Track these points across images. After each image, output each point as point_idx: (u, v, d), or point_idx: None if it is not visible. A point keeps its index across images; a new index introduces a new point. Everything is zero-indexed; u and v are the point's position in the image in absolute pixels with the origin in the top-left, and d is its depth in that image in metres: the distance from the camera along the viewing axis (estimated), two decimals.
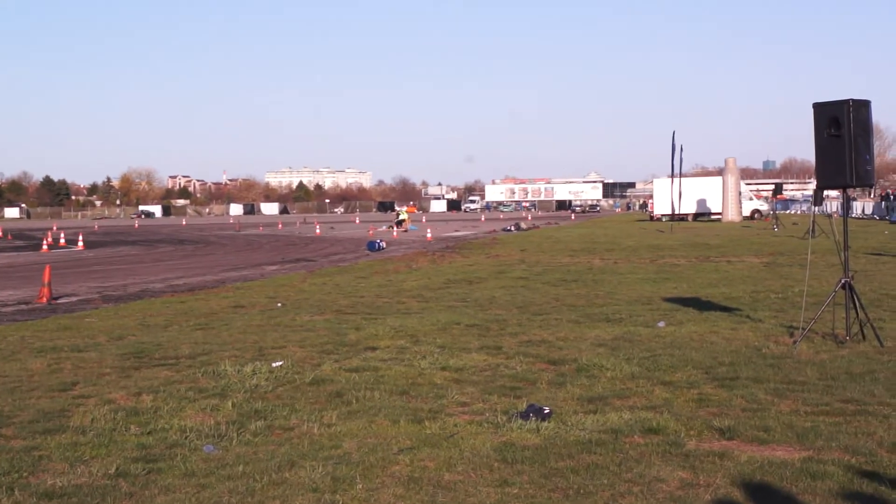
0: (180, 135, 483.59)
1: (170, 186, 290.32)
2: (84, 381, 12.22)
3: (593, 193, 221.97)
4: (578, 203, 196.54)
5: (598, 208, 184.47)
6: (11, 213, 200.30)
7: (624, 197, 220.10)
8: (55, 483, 7.70)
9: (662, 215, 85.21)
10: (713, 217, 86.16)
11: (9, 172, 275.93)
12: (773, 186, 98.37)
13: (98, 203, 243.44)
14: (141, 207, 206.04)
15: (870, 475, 7.50)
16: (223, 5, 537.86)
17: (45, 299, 23.46)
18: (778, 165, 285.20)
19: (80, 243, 57.96)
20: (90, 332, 17.06)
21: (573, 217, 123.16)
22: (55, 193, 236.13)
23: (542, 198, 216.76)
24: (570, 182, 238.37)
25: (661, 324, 16.36)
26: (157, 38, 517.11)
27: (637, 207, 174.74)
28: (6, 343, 15.76)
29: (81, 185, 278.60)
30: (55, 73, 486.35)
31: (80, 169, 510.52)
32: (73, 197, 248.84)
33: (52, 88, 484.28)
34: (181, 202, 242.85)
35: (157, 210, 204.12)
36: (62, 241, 62.15)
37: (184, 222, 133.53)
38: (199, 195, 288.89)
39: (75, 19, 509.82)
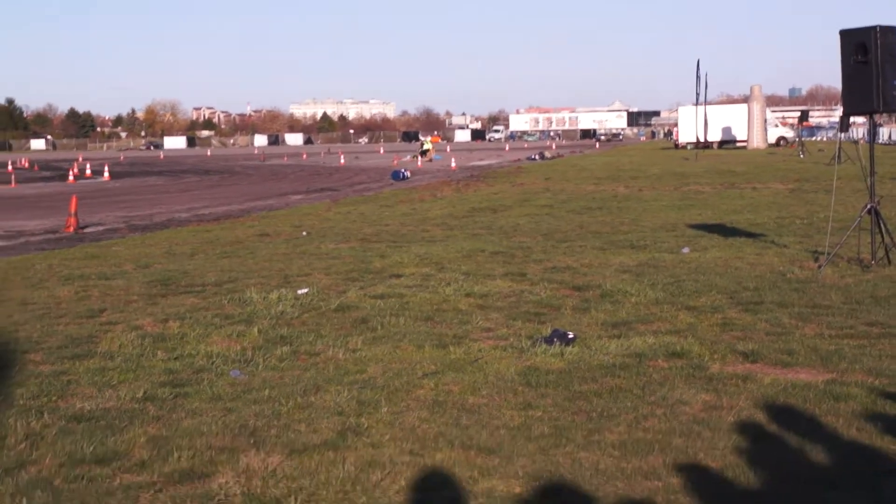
0: (204, 66, 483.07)
1: (194, 118, 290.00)
2: (111, 308, 12.32)
3: (618, 122, 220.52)
4: (603, 132, 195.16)
5: (621, 136, 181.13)
6: (37, 144, 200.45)
7: (649, 125, 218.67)
8: (84, 406, 7.79)
9: (687, 143, 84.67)
10: (738, 144, 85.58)
11: (34, 105, 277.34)
12: (798, 113, 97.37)
13: (123, 135, 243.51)
14: (148, 139, 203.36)
15: (893, 397, 7.52)
16: None
17: (72, 228, 23.60)
18: (804, 92, 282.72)
19: (106, 174, 58.10)
20: (117, 260, 17.16)
21: (597, 146, 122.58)
22: (80, 125, 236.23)
23: (567, 127, 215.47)
24: (595, 111, 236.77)
25: (686, 250, 16.36)
26: None
27: (662, 136, 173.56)
28: (34, 271, 15.87)
29: (106, 117, 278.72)
30: (80, 5, 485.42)
31: (105, 101, 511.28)
32: (98, 129, 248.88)
33: (77, 20, 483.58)
34: (206, 133, 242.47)
35: (174, 142, 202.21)
36: (88, 171, 62.33)
37: (209, 153, 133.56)
38: (223, 126, 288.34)
39: None
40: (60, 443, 6.88)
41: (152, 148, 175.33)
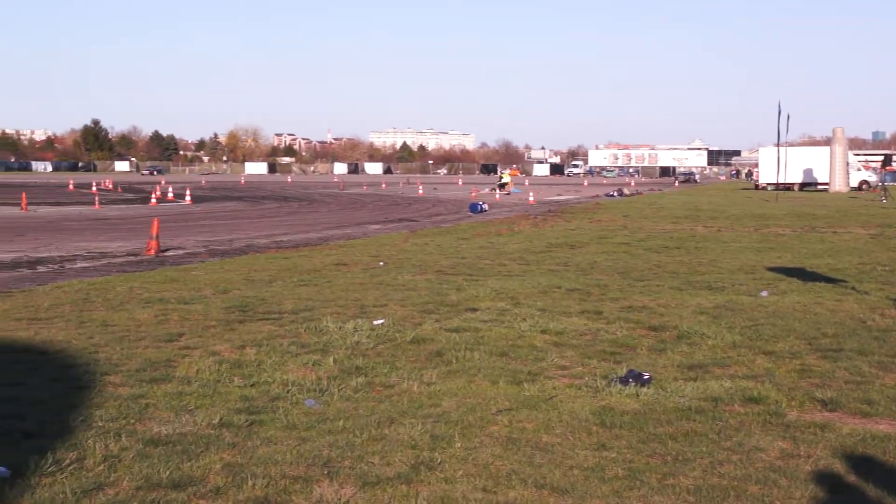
0: (287, 93, 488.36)
1: (275, 144, 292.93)
2: (190, 332, 12.43)
3: (697, 160, 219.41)
4: (683, 170, 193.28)
5: (696, 176, 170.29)
6: (122, 166, 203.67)
7: (729, 165, 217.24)
8: (161, 431, 7.86)
9: (768, 184, 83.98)
10: (819, 187, 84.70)
11: (119, 126, 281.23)
12: (882, 157, 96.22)
13: (205, 159, 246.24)
14: (150, 164, 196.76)
15: None
16: None
17: (153, 252, 23.91)
18: (888, 136, 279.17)
19: (188, 198, 58.84)
20: (196, 284, 17.33)
21: (676, 184, 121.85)
22: (164, 148, 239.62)
23: (646, 164, 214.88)
24: (675, 149, 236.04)
25: (764, 293, 16.20)
26: None
27: (743, 176, 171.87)
28: (115, 293, 16.07)
29: (189, 141, 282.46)
30: (164, 30, 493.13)
31: (189, 125, 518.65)
32: (181, 152, 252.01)
33: (162, 44, 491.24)
34: (286, 160, 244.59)
35: (255, 167, 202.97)
36: (170, 195, 63.14)
37: (289, 180, 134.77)
38: (304, 153, 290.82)
39: None
40: (137, 466, 6.95)
41: (155, 173, 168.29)
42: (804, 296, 15.96)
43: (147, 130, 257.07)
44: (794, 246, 26.23)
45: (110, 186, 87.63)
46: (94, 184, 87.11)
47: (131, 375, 9.82)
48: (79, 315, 13.70)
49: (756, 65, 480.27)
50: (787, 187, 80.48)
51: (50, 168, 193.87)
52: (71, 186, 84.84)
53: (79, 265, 21.59)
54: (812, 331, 12.57)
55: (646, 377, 9.67)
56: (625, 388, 9.31)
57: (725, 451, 7.45)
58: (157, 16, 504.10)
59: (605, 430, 7.98)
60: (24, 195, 50.26)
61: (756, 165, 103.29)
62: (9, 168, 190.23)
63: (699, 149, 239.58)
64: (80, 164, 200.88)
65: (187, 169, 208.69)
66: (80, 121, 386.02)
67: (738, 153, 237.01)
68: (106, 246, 26.73)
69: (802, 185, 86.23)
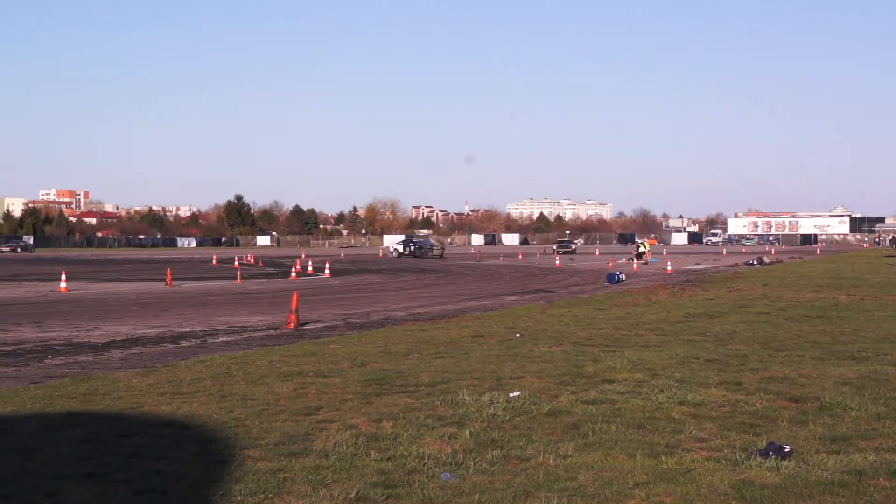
0: (425, 165, 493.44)
1: (413, 216, 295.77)
2: (327, 406, 12.55)
3: (840, 228, 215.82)
4: (824, 237, 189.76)
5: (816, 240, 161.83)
6: (263, 240, 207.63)
7: (872, 231, 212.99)
8: None
9: None
10: None
11: (261, 201, 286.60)
12: None
13: (344, 232, 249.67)
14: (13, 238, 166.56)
15: None
16: (466, 36, 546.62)
17: (292, 325, 24.22)
18: None
19: (327, 271, 59.63)
20: (334, 358, 17.51)
21: (818, 252, 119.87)
22: (304, 222, 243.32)
23: (787, 231, 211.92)
24: (816, 216, 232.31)
25: None
26: (398, 71, 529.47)
27: (888, 242, 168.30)
28: (255, 367, 16.31)
29: (329, 214, 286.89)
30: (306, 106, 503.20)
31: (329, 198, 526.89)
32: (321, 226, 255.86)
33: (303, 121, 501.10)
34: (424, 232, 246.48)
35: (393, 240, 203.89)
36: (310, 268, 64.06)
37: None
38: (441, 225, 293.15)
39: (322, 52, 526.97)
40: None
41: (18, 250, 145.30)
42: None
43: (288, 205, 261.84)
44: None
45: (252, 261, 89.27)
46: (236, 258, 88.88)
47: (270, 449, 9.95)
48: (220, 389, 13.95)
49: None
50: None
51: (194, 244, 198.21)
52: (214, 261, 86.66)
53: (220, 339, 21.99)
54: None
55: (787, 450, 9.50)
56: (765, 461, 9.16)
57: None
58: (295, 94, 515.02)
59: None
60: (168, 271, 51.42)
61: None
62: (154, 244, 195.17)
63: (841, 216, 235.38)
64: (223, 240, 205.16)
65: (326, 242, 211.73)
66: (223, 196, 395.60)
67: (881, 220, 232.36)
68: (247, 320, 27.18)
69: None
